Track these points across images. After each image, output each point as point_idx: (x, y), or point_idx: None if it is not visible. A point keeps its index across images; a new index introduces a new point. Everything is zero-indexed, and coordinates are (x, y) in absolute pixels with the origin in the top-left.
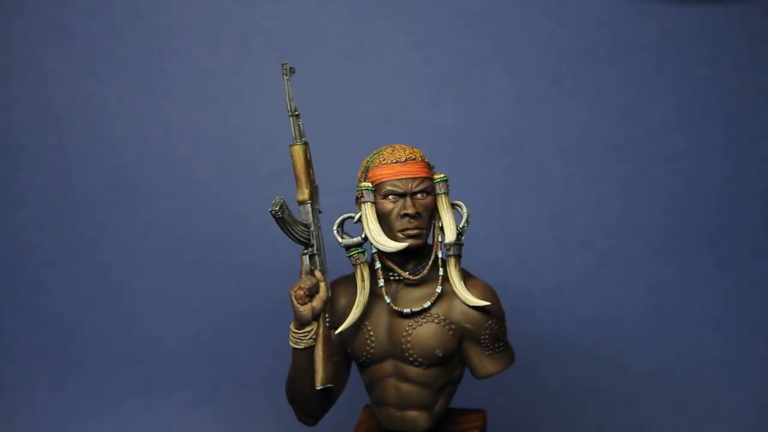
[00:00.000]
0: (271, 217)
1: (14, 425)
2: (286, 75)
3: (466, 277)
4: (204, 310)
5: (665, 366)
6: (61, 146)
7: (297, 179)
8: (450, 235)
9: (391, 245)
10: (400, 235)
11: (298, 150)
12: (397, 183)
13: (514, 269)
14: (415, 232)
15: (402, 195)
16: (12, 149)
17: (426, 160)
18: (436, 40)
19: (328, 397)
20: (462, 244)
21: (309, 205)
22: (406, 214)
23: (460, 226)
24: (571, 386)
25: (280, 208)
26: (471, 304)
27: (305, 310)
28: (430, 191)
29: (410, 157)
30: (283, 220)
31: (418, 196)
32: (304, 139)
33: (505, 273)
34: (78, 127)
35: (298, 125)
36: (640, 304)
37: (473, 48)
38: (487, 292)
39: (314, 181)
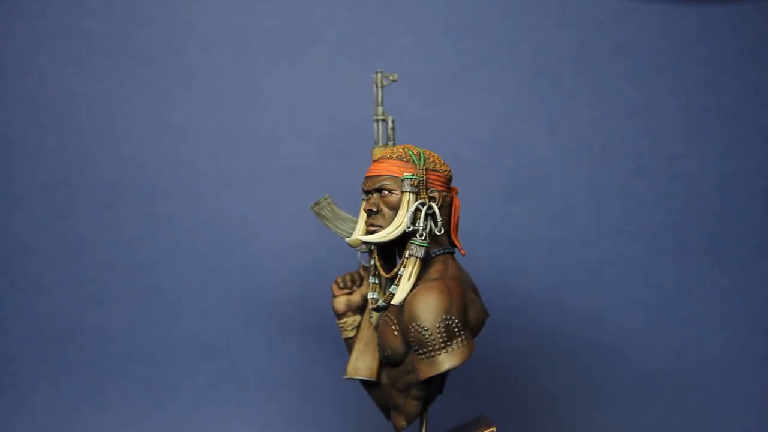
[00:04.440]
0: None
1: (14, 425)
2: (377, 84)
3: (437, 278)
4: (204, 310)
5: (665, 366)
6: (61, 146)
7: None
8: (381, 235)
9: (347, 239)
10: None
11: (375, 152)
12: (364, 181)
13: (514, 269)
14: (371, 229)
15: (368, 192)
16: (12, 149)
17: (407, 159)
18: (436, 40)
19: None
20: (422, 246)
21: None
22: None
23: (408, 226)
24: (571, 386)
25: (317, 204)
26: (393, 302)
27: (336, 301)
28: (392, 189)
29: (384, 156)
30: (321, 215)
31: (382, 193)
32: (390, 142)
33: (505, 273)
34: (78, 127)
35: (388, 130)
36: (640, 304)
37: (473, 48)
38: (424, 296)
39: None
